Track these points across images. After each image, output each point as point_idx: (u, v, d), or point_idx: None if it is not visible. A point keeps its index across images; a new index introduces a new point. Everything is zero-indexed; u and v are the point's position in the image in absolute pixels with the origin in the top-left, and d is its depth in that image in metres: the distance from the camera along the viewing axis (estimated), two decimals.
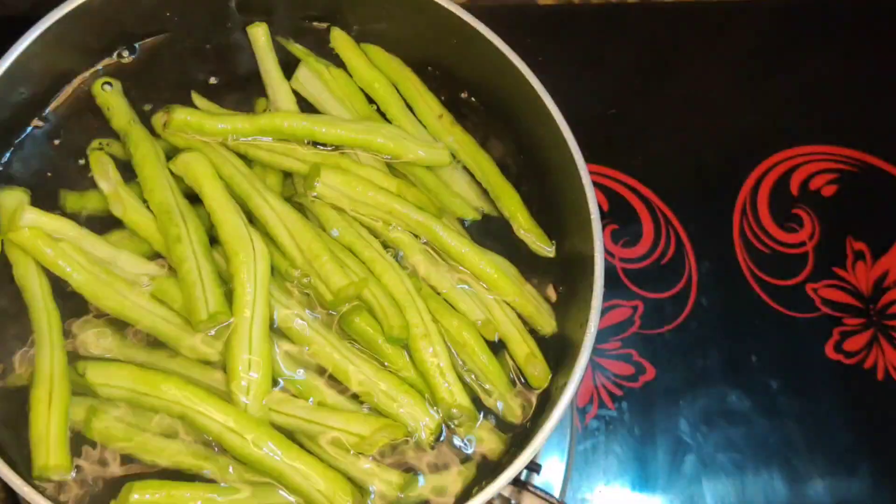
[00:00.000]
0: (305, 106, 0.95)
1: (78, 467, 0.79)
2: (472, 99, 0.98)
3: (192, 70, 0.95)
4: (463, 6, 0.91)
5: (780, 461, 1.14)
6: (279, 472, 0.79)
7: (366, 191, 0.88)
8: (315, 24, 0.99)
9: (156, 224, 0.85)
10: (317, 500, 0.79)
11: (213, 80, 0.95)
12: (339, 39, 0.98)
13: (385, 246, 0.89)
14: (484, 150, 0.95)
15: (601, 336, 1.16)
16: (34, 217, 0.83)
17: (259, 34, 0.96)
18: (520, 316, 0.90)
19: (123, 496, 0.77)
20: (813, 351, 1.19)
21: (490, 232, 0.93)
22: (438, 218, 0.90)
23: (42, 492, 0.75)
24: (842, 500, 1.13)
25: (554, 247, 0.93)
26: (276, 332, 0.85)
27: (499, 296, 0.90)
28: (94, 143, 0.90)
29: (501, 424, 0.86)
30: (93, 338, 0.84)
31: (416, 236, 0.90)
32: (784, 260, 1.22)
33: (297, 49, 0.97)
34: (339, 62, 0.97)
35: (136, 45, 0.95)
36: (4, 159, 0.90)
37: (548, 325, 0.90)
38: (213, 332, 0.83)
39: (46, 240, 0.83)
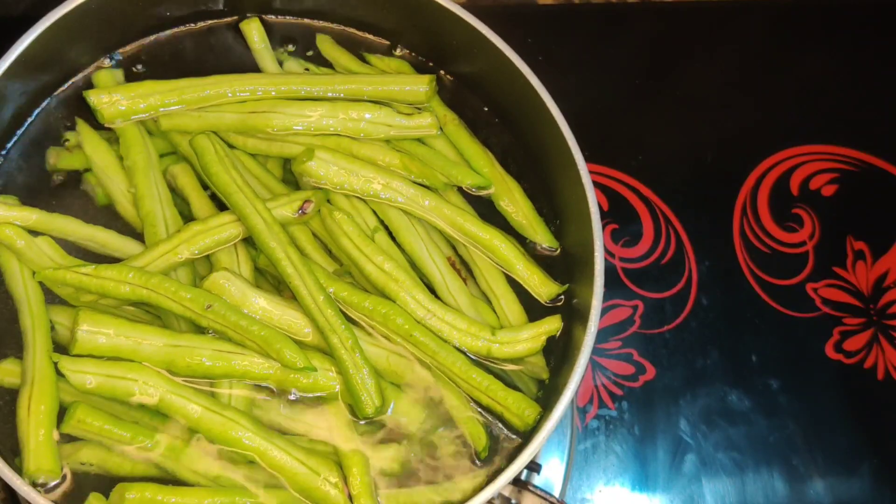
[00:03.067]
0: None
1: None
2: (475, 98, 0.98)
3: (190, 68, 0.95)
4: (463, 6, 0.91)
5: (780, 461, 1.14)
6: (260, 451, 0.79)
7: (360, 167, 0.89)
8: (308, 20, 0.99)
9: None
10: (303, 476, 0.79)
11: None
12: (326, 45, 0.98)
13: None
14: (486, 148, 0.95)
15: (601, 336, 1.16)
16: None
17: (251, 30, 0.96)
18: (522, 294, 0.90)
19: (117, 496, 0.77)
20: (813, 351, 1.19)
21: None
22: (440, 188, 0.91)
23: (42, 492, 0.75)
24: (842, 499, 1.13)
25: (559, 248, 0.93)
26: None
27: (501, 261, 0.90)
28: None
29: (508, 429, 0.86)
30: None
31: (410, 215, 0.90)
32: (784, 259, 1.22)
33: (285, 57, 0.98)
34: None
35: (134, 44, 0.96)
36: (5, 151, 0.90)
37: (552, 289, 0.90)
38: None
39: (19, 231, 0.84)
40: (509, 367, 0.87)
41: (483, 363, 0.86)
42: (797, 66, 1.33)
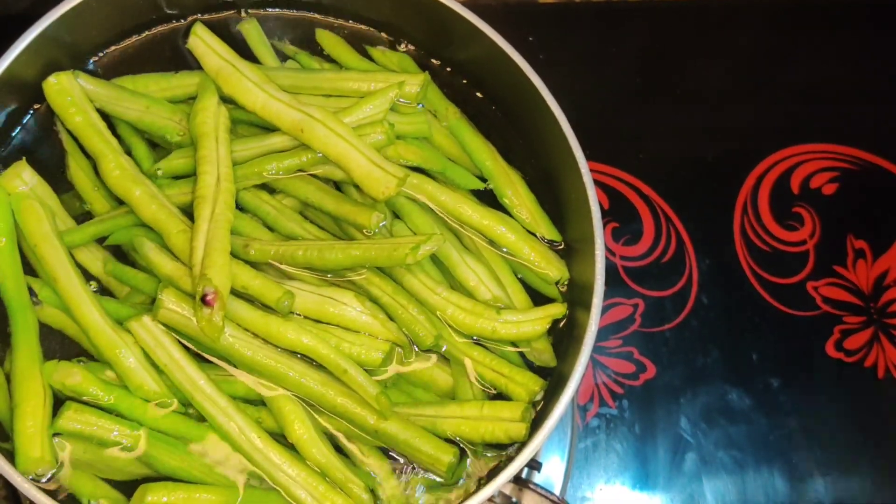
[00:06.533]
0: None
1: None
2: (477, 94, 0.98)
3: (190, 64, 0.95)
4: (465, 4, 0.91)
5: (780, 459, 1.14)
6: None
7: None
8: (311, 14, 1.00)
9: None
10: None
11: None
12: (326, 38, 0.98)
13: None
14: (490, 143, 0.95)
15: (602, 334, 1.16)
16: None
17: (251, 30, 0.97)
18: (526, 284, 0.91)
19: (137, 499, 0.77)
20: (813, 349, 1.19)
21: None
22: (442, 172, 0.92)
23: (43, 489, 0.76)
24: (842, 497, 1.13)
25: (563, 242, 0.93)
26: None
27: (507, 247, 0.90)
28: None
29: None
30: None
31: (416, 202, 0.91)
32: (785, 258, 1.22)
33: (288, 48, 0.98)
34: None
35: (132, 40, 0.96)
36: (9, 141, 0.91)
37: (558, 270, 0.90)
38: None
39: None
40: (514, 350, 0.88)
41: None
42: (797, 65, 1.33)
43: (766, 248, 1.23)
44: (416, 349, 0.86)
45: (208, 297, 0.77)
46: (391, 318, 0.86)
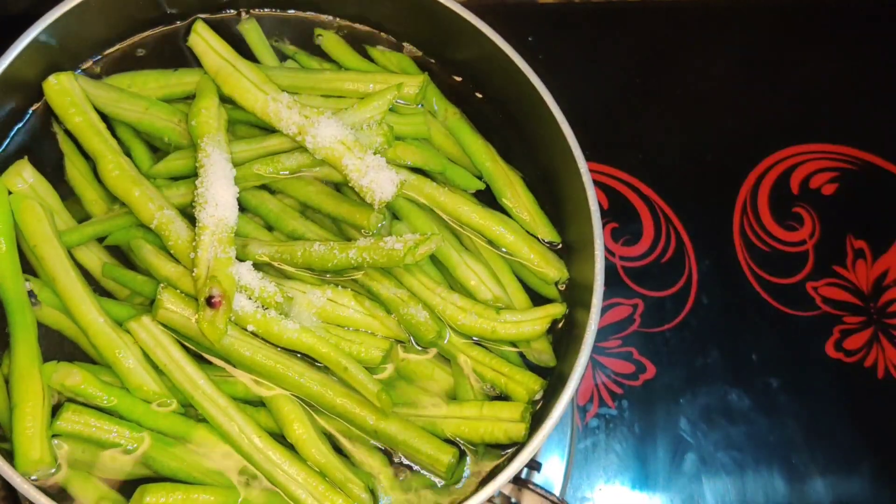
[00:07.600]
0: None
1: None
2: (477, 94, 0.98)
3: (190, 65, 0.95)
4: (465, 5, 0.91)
5: (780, 459, 1.14)
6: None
7: None
8: (313, 14, 1.00)
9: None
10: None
11: None
12: (326, 38, 0.98)
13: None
14: (489, 143, 0.95)
15: (601, 334, 1.16)
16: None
17: (250, 30, 0.97)
18: (526, 284, 0.91)
19: (136, 500, 0.77)
20: (813, 349, 1.19)
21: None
22: (441, 172, 0.92)
23: (42, 490, 0.75)
24: (842, 498, 1.13)
25: (561, 242, 0.93)
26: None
27: (506, 248, 0.90)
28: None
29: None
30: None
31: (416, 203, 0.91)
32: (784, 258, 1.22)
33: (288, 49, 0.98)
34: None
35: (132, 40, 0.96)
36: (7, 141, 0.91)
37: (557, 270, 0.90)
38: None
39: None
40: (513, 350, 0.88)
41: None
42: (797, 65, 1.33)
43: (765, 248, 1.23)
44: (417, 346, 0.86)
45: (214, 299, 0.77)
46: (391, 315, 0.86)
